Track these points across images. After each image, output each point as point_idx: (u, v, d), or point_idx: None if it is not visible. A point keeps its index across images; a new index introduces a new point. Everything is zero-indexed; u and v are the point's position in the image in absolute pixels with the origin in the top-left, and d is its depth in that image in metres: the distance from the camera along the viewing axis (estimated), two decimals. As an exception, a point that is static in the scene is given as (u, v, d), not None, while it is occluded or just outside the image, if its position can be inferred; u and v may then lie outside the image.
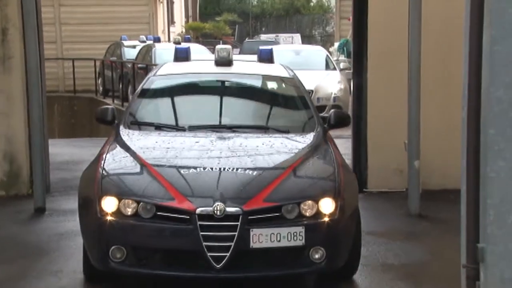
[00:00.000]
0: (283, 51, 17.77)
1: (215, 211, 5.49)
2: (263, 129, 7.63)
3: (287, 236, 5.48)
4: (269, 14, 51.25)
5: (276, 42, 30.28)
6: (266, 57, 8.73)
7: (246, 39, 37.13)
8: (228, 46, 8.41)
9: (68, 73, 23.06)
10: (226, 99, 8.57)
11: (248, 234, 5.49)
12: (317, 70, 17.38)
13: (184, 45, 20.59)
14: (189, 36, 34.87)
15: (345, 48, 22.22)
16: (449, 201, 7.55)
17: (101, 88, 24.72)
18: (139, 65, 21.19)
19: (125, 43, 24.03)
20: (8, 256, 8.01)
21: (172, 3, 40.89)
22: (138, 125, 7.72)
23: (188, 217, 5.56)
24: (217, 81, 8.84)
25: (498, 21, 5.04)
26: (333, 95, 16.14)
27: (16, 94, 10.59)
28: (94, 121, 17.25)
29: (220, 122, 7.81)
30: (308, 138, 7.33)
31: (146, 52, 21.82)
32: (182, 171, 6.23)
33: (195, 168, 6.31)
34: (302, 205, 5.69)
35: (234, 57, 9.84)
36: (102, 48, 24.95)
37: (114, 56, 24.20)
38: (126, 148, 6.93)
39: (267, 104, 8.57)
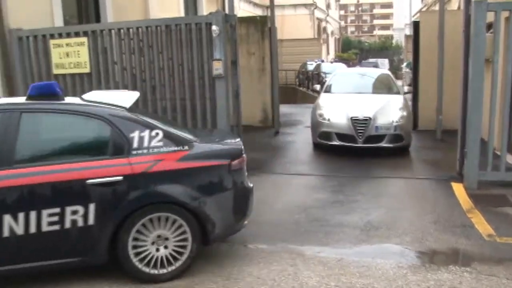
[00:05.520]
0: (349, 74, 11.81)
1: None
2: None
3: None
4: (372, 49, 55.77)
5: (376, 63, 30.43)
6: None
7: (362, 61, 38.09)
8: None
9: (283, 77, 24.02)
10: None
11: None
12: (380, 94, 9.49)
13: (333, 64, 23.51)
14: (337, 59, 37.45)
15: (409, 66, 22.23)
16: (455, 134, 7.21)
17: (297, 83, 25.65)
18: (314, 72, 22.85)
19: (308, 62, 24.91)
20: (266, 149, 9.23)
21: (328, 44, 43.23)
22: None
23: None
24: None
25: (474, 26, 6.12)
26: (394, 124, 8.34)
27: (267, 84, 11.59)
28: (294, 97, 17.78)
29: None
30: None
31: (317, 66, 23.46)
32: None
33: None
34: None
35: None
36: (298, 65, 26.02)
37: (303, 68, 25.28)
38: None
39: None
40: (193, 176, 4.11)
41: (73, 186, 3.85)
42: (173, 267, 4.10)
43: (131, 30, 7.44)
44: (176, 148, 4.10)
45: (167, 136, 4.13)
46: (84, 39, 7.61)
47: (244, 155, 4.45)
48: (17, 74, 7.92)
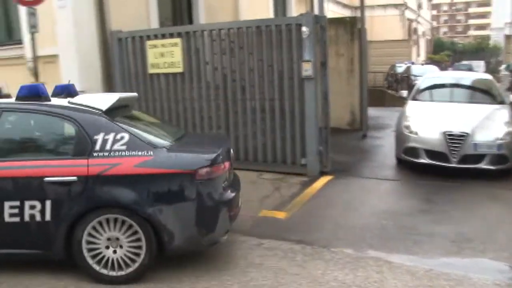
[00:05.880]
0: (442, 78, 9.90)
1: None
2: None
3: None
4: (466, 50, 51.80)
5: (470, 65, 28.27)
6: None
7: (455, 63, 35.94)
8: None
9: (371, 79, 22.79)
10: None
11: None
12: (479, 104, 8.06)
13: (424, 66, 22.28)
14: (428, 61, 35.16)
15: (509, 68, 20.74)
16: None
17: (386, 85, 24.93)
18: (403, 75, 22.17)
19: (397, 64, 24.16)
20: (354, 152, 9.11)
21: (418, 46, 41.27)
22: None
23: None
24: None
25: None
26: (497, 141, 6.96)
27: (356, 86, 11.33)
28: (382, 100, 17.30)
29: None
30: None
31: (407, 68, 22.70)
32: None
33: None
34: None
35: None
36: (387, 67, 25.29)
37: (392, 71, 24.64)
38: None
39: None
40: (150, 183, 3.96)
41: (32, 182, 3.99)
42: (130, 269, 4.04)
43: (222, 31, 7.62)
44: (139, 153, 3.99)
45: (133, 140, 4.04)
46: (178, 40, 7.89)
47: (218, 165, 4.10)
48: (116, 73, 8.39)
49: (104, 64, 8.38)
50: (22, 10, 8.29)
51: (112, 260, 4.04)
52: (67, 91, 4.78)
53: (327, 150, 7.40)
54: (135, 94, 5.43)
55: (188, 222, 3.99)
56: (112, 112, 4.31)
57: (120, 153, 3.99)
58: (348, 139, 10.50)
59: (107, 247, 4.02)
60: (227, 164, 4.28)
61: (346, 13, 27.03)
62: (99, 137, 4.04)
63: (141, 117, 5.14)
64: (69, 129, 4.17)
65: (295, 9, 15.68)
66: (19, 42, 8.82)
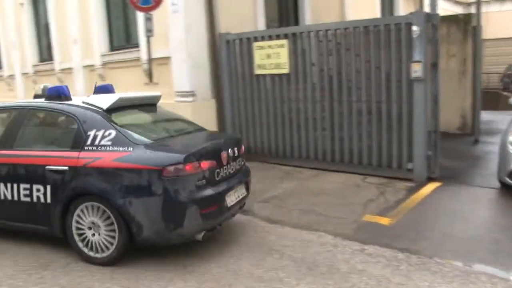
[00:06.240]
0: None
1: None
2: None
3: None
4: None
5: None
6: None
7: None
8: None
9: (484, 81, 21.84)
10: None
11: None
12: None
13: None
14: None
15: None
16: None
17: (501, 87, 23.13)
18: None
19: None
20: (464, 158, 8.40)
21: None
22: None
23: None
24: None
25: None
26: None
27: (468, 88, 10.62)
28: (496, 103, 15.91)
29: None
30: None
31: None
32: None
33: None
34: None
35: None
36: (502, 67, 23.85)
37: (509, 71, 22.96)
38: None
39: None
40: (123, 176, 4.28)
41: (38, 169, 4.66)
42: (107, 253, 4.47)
43: (329, 32, 7.57)
44: (120, 148, 4.35)
45: (118, 136, 4.42)
46: (284, 41, 7.96)
47: (190, 163, 4.25)
48: (224, 74, 8.65)
49: (213, 65, 8.68)
50: (140, 16, 8.84)
51: (94, 243, 4.55)
52: (105, 91, 5.35)
53: (436, 155, 7.05)
54: (156, 93, 5.72)
55: (155, 216, 4.25)
56: (123, 110, 4.87)
57: (105, 148, 4.43)
58: (458, 144, 9.92)
59: (90, 228, 4.54)
60: (205, 163, 4.41)
61: (457, 10, 25.60)
62: (92, 133, 4.54)
63: (152, 115, 5.45)
64: (71, 125, 4.75)
65: (402, 8, 15.17)
66: (136, 45, 9.41)
